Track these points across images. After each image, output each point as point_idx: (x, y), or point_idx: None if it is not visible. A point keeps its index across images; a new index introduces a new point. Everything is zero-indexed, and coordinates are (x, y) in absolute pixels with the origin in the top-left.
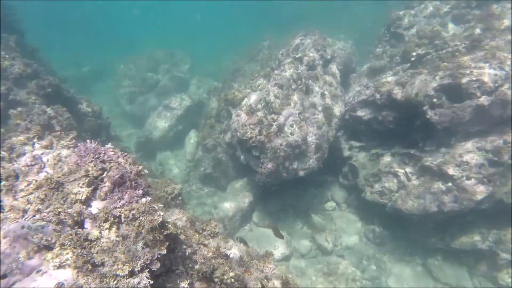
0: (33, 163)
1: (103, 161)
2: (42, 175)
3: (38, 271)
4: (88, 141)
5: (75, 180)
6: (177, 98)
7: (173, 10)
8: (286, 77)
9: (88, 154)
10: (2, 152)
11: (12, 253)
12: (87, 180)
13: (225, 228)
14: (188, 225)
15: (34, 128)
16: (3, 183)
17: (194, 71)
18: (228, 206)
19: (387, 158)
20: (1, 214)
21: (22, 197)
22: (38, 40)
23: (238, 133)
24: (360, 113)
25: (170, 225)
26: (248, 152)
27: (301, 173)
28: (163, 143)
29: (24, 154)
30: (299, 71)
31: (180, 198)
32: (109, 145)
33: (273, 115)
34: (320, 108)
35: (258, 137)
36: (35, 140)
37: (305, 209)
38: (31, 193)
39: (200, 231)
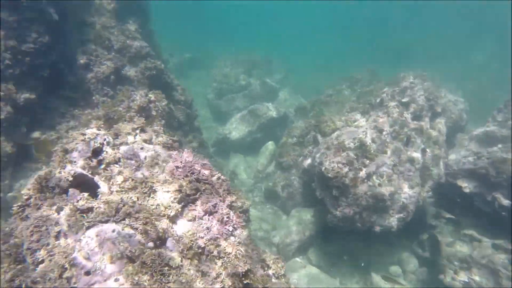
0: (132, 157)
1: (198, 180)
2: (139, 175)
3: (116, 280)
4: (186, 150)
5: (168, 192)
6: (264, 106)
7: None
8: (387, 122)
9: (184, 166)
10: (108, 137)
11: (99, 253)
12: (179, 195)
13: (278, 252)
14: (250, 247)
15: (138, 120)
16: (103, 167)
17: (285, 82)
18: (288, 233)
19: (487, 249)
20: (96, 202)
21: (117, 192)
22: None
23: (323, 167)
24: (461, 183)
25: (252, 275)
26: (326, 188)
27: (377, 228)
28: (239, 145)
29: (126, 143)
30: (404, 118)
31: (247, 214)
32: (206, 161)
33: (365, 159)
34: (417, 166)
35: (343, 178)
36: (137, 131)
37: (365, 263)
38: (125, 191)
39: (265, 267)
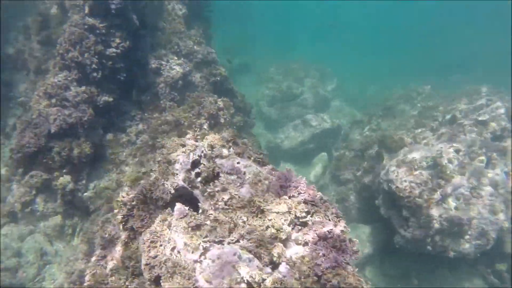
0: (233, 173)
1: (306, 202)
2: (244, 192)
3: None
4: (287, 168)
5: (277, 213)
6: (318, 117)
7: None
8: (466, 142)
9: (289, 186)
10: (205, 149)
11: (219, 276)
12: (289, 217)
13: None
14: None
15: (229, 132)
16: (200, 180)
17: (337, 91)
18: None
19: None
20: (202, 219)
21: (223, 210)
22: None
23: (393, 186)
24: None
25: None
26: (394, 207)
27: (451, 254)
28: (290, 154)
29: (221, 156)
30: (483, 138)
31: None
32: (313, 188)
33: (440, 180)
34: (501, 191)
35: (417, 199)
36: (230, 144)
37: None
38: (233, 210)
39: None
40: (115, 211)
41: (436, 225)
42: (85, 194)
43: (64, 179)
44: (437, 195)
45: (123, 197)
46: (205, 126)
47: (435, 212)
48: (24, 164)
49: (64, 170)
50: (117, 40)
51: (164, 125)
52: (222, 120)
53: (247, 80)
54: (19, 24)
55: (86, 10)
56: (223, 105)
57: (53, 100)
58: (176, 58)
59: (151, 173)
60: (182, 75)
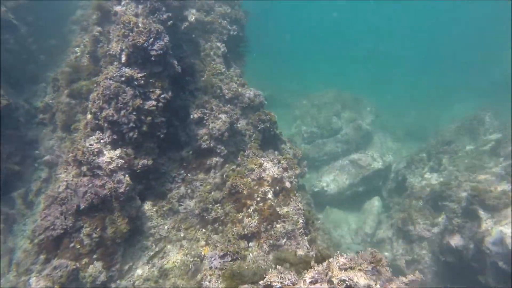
0: None
1: None
2: None
3: None
4: None
5: None
6: (368, 156)
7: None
8: None
9: None
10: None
11: None
12: None
13: None
14: None
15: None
16: None
17: (377, 122)
18: None
19: None
20: None
21: None
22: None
23: (503, 264)
24: None
25: None
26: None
27: None
28: (337, 199)
29: None
30: None
31: None
32: None
33: None
34: None
35: None
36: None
37: None
38: None
39: None
40: None
41: None
42: (120, 283)
43: (95, 268)
44: None
45: None
46: (269, 195)
47: None
48: (47, 249)
49: (95, 256)
50: (157, 91)
51: (215, 191)
52: (288, 185)
53: (276, 113)
54: (48, 75)
55: (123, 59)
56: (286, 165)
57: (84, 169)
58: (221, 105)
59: None
60: (228, 125)
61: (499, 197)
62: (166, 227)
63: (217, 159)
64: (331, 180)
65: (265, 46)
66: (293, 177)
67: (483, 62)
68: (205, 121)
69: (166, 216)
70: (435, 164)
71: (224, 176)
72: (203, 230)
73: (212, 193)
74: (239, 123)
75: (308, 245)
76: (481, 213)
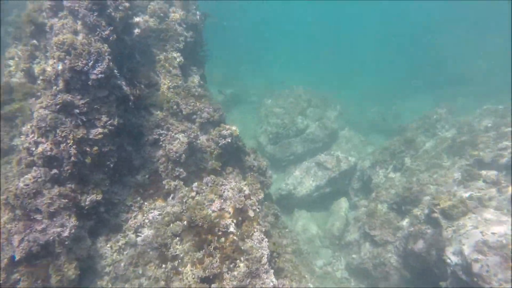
0: None
1: None
2: None
3: None
4: None
5: None
6: (333, 157)
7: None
8: None
9: None
10: None
11: None
12: None
13: None
14: None
15: None
16: None
17: (341, 118)
18: None
19: None
20: None
21: None
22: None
23: (479, 281)
24: None
25: None
26: None
27: None
28: (304, 201)
29: None
30: None
31: None
32: None
33: None
34: None
35: None
36: None
37: None
38: None
39: None
40: None
41: None
42: None
43: None
44: None
45: None
46: (231, 228)
47: None
48: None
49: None
50: (104, 118)
51: (174, 222)
52: (251, 214)
53: (241, 111)
54: None
55: (61, 85)
56: (249, 191)
57: (18, 213)
58: (177, 124)
59: None
60: (187, 145)
61: (457, 206)
62: (122, 264)
63: (175, 183)
64: (298, 183)
65: (233, 45)
66: (257, 204)
67: (438, 58)
68: (161, 142)
69: (123, 251)
70: (398, 164)
71: (184, 202)
72: (163, 266)
73: (171, 225)
74: (199, 140)
75: (274, 280)
76: (442, 221)
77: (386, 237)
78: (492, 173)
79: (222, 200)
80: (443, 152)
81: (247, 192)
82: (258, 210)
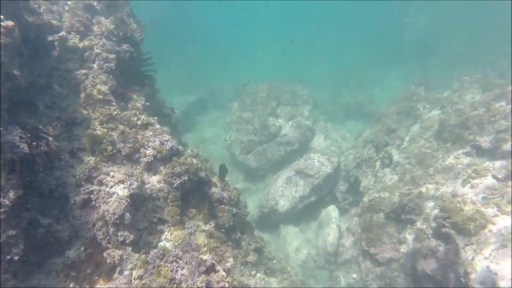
0: None
1: None
2: None
3: None
4: None
5: None
6: (314, 161)
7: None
8: None
9: None
10: None
11: None
12: None
13: None
14: None
15: None
16: None
17: (315, 112)
18: None
19: None
20: None
21: None
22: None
23: None
24: None
25: None
26: None
27: None
28: (289, 215)
29: None
30: None
31: None
32: None
33: None
34: None
35: None
36: None
37: None
38: None
39: None
40: None
41: None
42: None
43: None
44: None
45: None
46: None
47: None
48: None
49: None
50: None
51: None
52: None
53: (211, 116)
54: None
55: None
56: (213, 260)
57: None
58: (115, 171)
59: None
60: (128, 199)
61: (473, 218)
62: None
63: (120, 252)
64: (280, 196)
65: (199, 46)
66: (227, 275)
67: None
68: (94, 202)
69: None
70: (386, 158)
71: (133, 279)
72: None
73: None
74: (148, 184)
75: None
76: (457, 238)
77: (388, 254)
78: (500, 165)
79: (177, 283)
80: (432, 139)
81: (210, 262)
82: (228, 283)
